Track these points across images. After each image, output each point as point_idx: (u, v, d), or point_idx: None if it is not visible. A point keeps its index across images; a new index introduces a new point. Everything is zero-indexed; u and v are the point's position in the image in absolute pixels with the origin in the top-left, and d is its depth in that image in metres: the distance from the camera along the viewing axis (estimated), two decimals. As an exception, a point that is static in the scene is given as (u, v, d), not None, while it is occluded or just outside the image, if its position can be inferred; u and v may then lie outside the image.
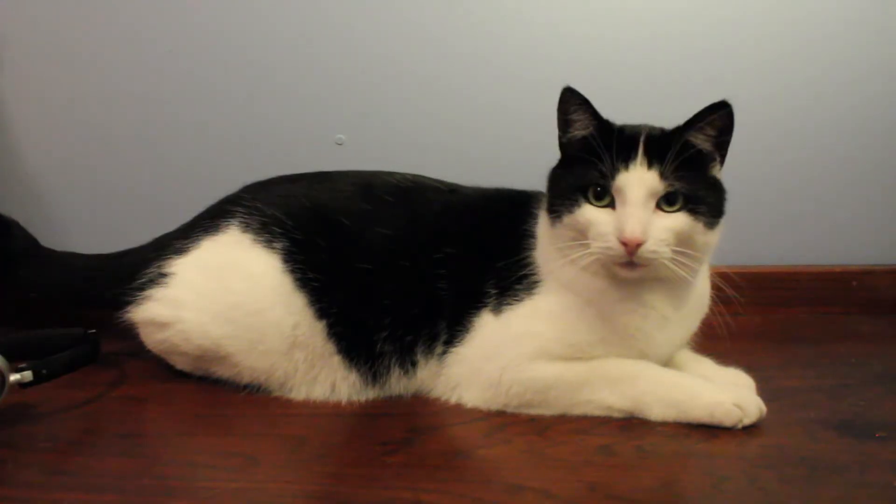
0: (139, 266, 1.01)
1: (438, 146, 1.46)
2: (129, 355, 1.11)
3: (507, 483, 0.68)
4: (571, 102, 0.88)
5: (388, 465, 0.75)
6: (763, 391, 0.90)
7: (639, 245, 0.81)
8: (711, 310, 1.00)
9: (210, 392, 0.79)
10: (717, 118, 0.87)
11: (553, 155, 1.37)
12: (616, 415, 0.89)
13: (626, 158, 0.84)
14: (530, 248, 0.94)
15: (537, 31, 1.46)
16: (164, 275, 1.00)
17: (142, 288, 1.00)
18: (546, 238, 0.92)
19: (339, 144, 1.47)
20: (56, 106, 1.45)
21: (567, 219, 0.86)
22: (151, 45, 1.44)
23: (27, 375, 0.91)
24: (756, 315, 1.44)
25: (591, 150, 0.86)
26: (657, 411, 0.87)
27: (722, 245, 1.02)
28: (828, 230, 1.52)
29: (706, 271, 0.99)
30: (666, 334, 0.92)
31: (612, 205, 0.84)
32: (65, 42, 1.43)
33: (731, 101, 0.89)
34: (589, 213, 0.85)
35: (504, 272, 0.92)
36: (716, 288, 1.00)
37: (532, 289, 0.91)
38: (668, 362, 0.97)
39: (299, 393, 0.97)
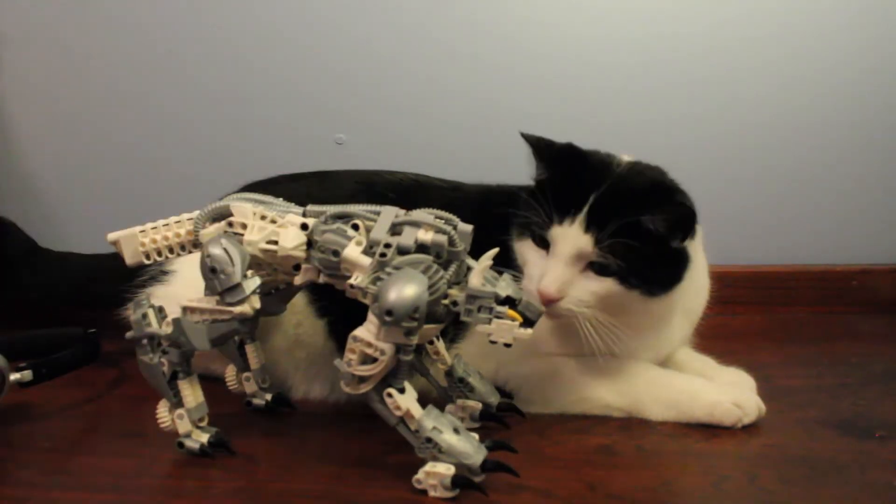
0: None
1: (439, 145, 1.46)
2: (129, 355, 1.11)
3: (507, 482, 0.68)
4: (531, 147, 0.89)
5: (388, 464, 0.75)
6: (763, 391, 0.90)
7: (551, 301, 0.81)
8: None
9: (209, 390, 0.79)
10: (671, 213, 0.81)
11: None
12: (615, 413, 0.89)
13: (566, 213, 0.82)
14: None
15: (537, 31, 1.46)
16: (165, 272, 1.00)
17: (143, 285, 1.00)
18: None
19: (339, 144, 1.47)
20: (55, 106, 1.45)
21: (515, 245, 0.88)
22: (151, 45, 1.44)
23: (27, 375, 0.91)
24: (756, 315, 1.44)
25: (544, 193, 0.85)
26: (656, 411, 0.87)
27: (722, 245, 1.02)
28: (828, 230, 1.52)
29: (704, 268, 0.98)
30: (659, 333, 0.92)
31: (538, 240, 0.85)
32: (65, 42, 1.44)
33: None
34: (527, 251, 0.86)
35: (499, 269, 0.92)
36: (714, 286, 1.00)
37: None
38: (667, 361, 0.97)
39: (298, 391, 0.97)
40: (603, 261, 0.81)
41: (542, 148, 0.89)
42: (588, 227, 0.81)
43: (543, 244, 0.85)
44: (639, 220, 0.79)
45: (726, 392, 0.87)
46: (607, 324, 0.83)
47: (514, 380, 0.91)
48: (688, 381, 0.90)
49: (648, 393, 0.88)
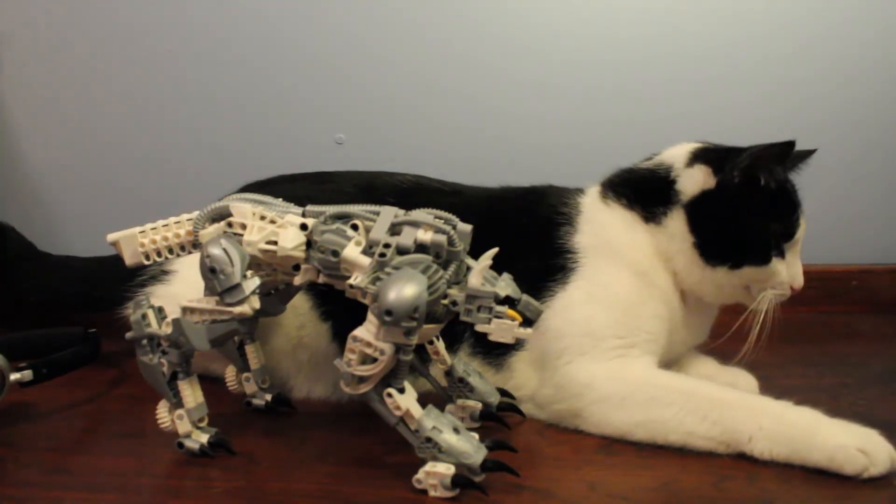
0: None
1: (438, 146, 1.46)
2: (129, 355, 1.11)
3: (507, 482, 0.68)
4: (787, 156, 0.88)
5: (388, 464, 0.75)
6: (763, 391, 0.91)
7: None
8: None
9: (208, 390, 0.79)
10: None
11: (550, 156, 1.36)
12: (700, 444, 0.77)
13: (800, 211, 0.90)
14: (564, 236, 0.92)
15: (536, 32, 1.46)
16: (166, 272, 1.00)
17: (143, 285, 1.00)
18: (621, 230, 0.91)
19: (339, 144, 1.47)
20: (56, 106, 1.45)
21: (750, 270, 0.88)
22: (151, 45, 1.44)
23: (27, 375, 0.91)
24: (756, 315, 1.44)
25: (779, 202, 0.88)
26: (761, 447, 0.74)
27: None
28: (828, 230, 1.52)
29: None
30: (685, 333, 0.94)
31: (781, 253, 0.88)
32: (65, 42, 1.44)
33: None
34: (775, 266, 0.88)
35: (529, 269, 0.85)
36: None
37: (568, 278, 0.88)
38: (673, 362, 0.96)
39: (300, 391, 0.97)
40: None
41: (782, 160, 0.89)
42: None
43: (778, 250, 0.88)
44: None
45: (851, 434, 0.73)
46: None
47: (563, 385, 0.84)
48: (800, 415, 0.75)
49: (751, 423, 0.75)
